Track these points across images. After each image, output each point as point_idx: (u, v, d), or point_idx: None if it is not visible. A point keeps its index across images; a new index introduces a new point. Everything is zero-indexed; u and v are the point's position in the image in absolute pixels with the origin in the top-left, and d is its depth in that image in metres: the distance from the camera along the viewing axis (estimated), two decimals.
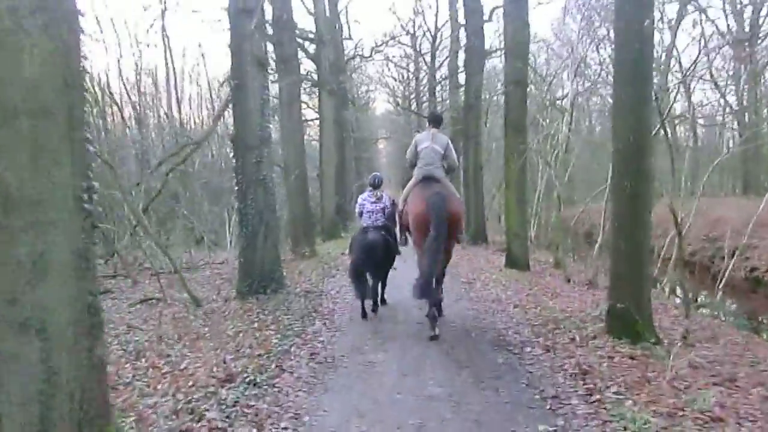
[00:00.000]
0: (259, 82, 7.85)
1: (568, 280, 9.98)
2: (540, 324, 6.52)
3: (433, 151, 6.35)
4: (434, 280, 5.95)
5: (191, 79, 27.88)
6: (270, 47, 13.13)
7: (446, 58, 26.13)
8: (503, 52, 11.05)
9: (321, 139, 18.33)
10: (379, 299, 7.32)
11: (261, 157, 7.87)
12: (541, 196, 14.29)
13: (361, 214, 7.21)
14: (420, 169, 6.40)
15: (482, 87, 15.87)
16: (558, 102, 16.09)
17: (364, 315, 6.94)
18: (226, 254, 14.19)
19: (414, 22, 29.13)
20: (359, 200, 7.30)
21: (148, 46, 11.38)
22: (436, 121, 6.85)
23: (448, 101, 30.91)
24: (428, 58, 29.47)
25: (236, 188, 8.01)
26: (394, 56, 31.10)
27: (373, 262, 6.78)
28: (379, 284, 7.27)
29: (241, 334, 6.17)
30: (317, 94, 19.15)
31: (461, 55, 21.23)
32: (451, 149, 6.55)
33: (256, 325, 6.56)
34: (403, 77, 37.46)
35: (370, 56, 26.11)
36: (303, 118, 18.30)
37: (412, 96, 36.29)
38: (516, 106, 10.70)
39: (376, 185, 7.24)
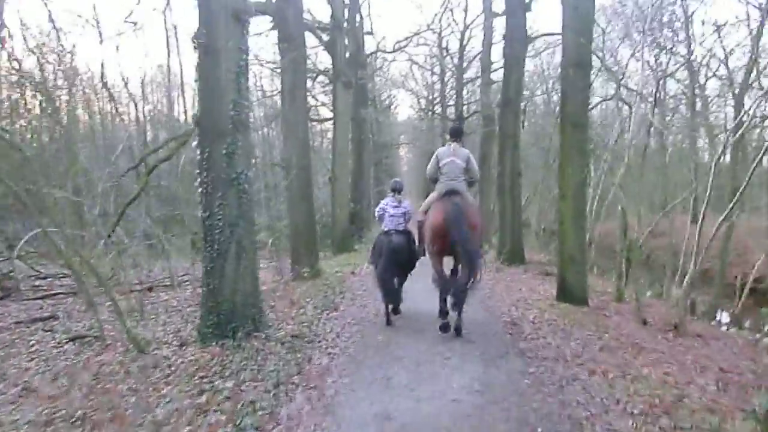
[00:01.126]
0: (234, 42, 5.62)
1: (644, 322, 7.59)
2: (644, 414, 4.16)
3: (456, 165, 6.39)
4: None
5: None
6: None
7: (476, 55, 23.95)
8: (561, 27, 8.68)
9: (334, 137, 16.10)
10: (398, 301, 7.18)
11: (235, 148, 5.65)
12: (594, 208, 11.84)
13: (381, 218, 7.20)
14: (442, 183, 6.43)
15: (523, 79, 13.50)
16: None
17: (389, 322, 6.85)
18: None
19: (441, 20, 26.91)
20: (381, 204, 7.28)
21: (135, 25, 9.28)
22: (457, 134, 6.77)
23: (475, 104, 28.77)
24: (455, 59, 27.21)
25: (200, 190, 5.78)
26: (417, 54, 28.94)
27: (399, 263, 6.79)
28: (400, 287, 7.19)
29: (173, 419, 3.93)
30: (333, 89, 16.92)
31: (495, 51, 19.03)
32: (472, 162, 6.57)
33: (204, 398, 4.30)
34: (427, 81, 35.29)
35: (393, 52, 23.93)
36: (309, 109, 16.29)
37: (437, 100, 34.05)
38: (576, 95, 8.34)
39: (398, 189, 7.25)
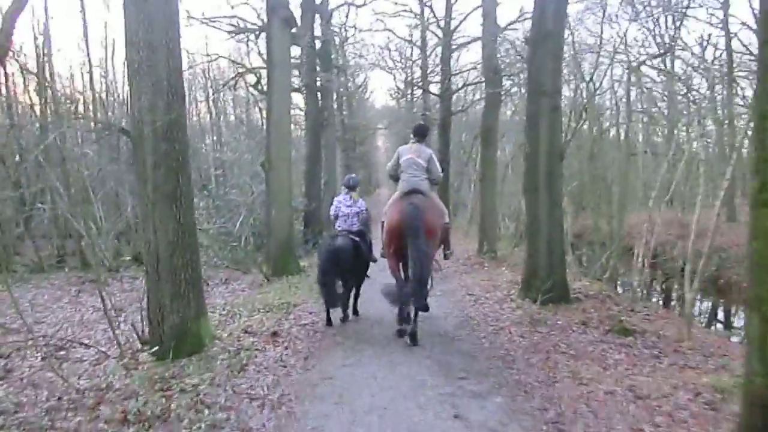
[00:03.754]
0: None
1: None
2: None
3: (416, 164, 6.30)
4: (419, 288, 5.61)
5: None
6: None
7: (474, 9, 18.89)
8: None
9: (269, 103, 10.68)
10: (351, 310, 6.93)
11: None
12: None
13: (336, 217, 6.89)
14: (404, 182, 6.35)
15: (566, 3, 8.21)
16: None
17: (329, 322, 6.54)
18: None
19: None
20: (335, 202, 6.98)
21: None
22: (421, 134, 6.64)
23: (465, 75, 23.77)
24: (441, 23, 22.08)
25: None
26: (395, 16, 23.54)
27: (340, 268, 6.37)
28: (351, 293, 6.85)
29: None
30: (267, 31, 11.43)
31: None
32: (434, 162, 6.43)
33: None
34: (404, 56, 29.89)
35: (364, 5, 18.62)
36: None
37: (419, 78, 28.82)
38: None
39: (351, 186, 6.98)
